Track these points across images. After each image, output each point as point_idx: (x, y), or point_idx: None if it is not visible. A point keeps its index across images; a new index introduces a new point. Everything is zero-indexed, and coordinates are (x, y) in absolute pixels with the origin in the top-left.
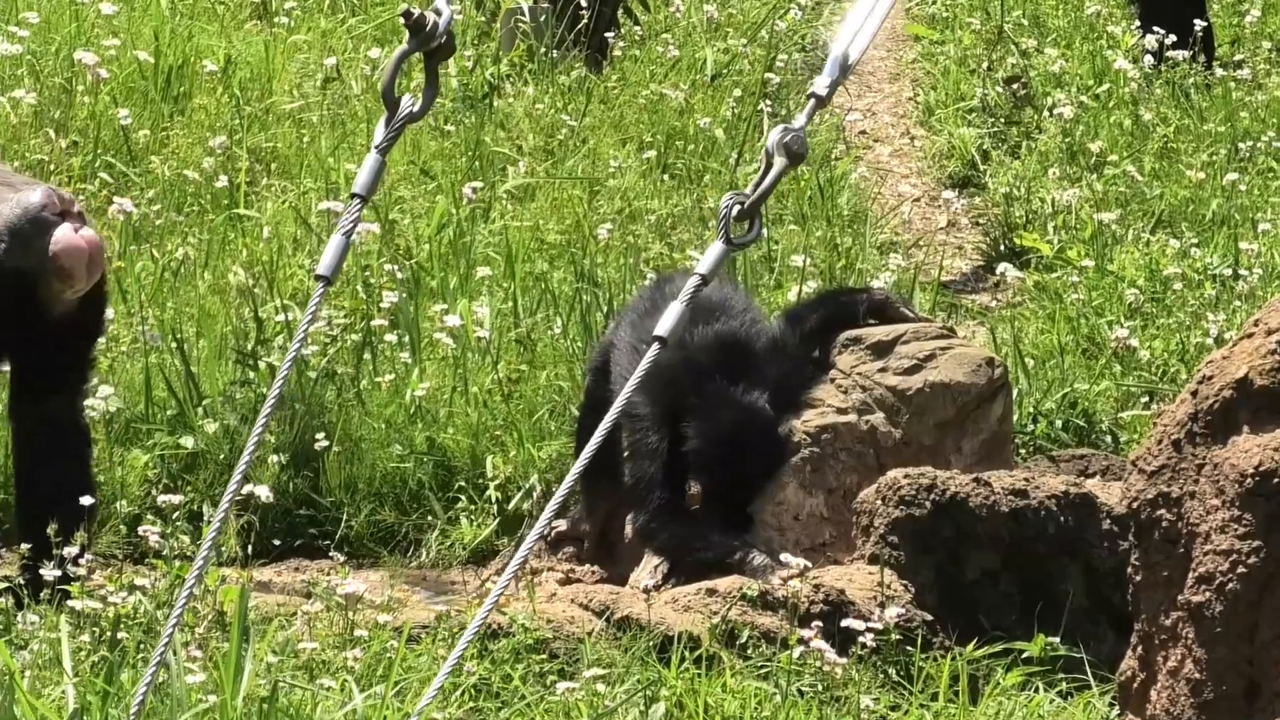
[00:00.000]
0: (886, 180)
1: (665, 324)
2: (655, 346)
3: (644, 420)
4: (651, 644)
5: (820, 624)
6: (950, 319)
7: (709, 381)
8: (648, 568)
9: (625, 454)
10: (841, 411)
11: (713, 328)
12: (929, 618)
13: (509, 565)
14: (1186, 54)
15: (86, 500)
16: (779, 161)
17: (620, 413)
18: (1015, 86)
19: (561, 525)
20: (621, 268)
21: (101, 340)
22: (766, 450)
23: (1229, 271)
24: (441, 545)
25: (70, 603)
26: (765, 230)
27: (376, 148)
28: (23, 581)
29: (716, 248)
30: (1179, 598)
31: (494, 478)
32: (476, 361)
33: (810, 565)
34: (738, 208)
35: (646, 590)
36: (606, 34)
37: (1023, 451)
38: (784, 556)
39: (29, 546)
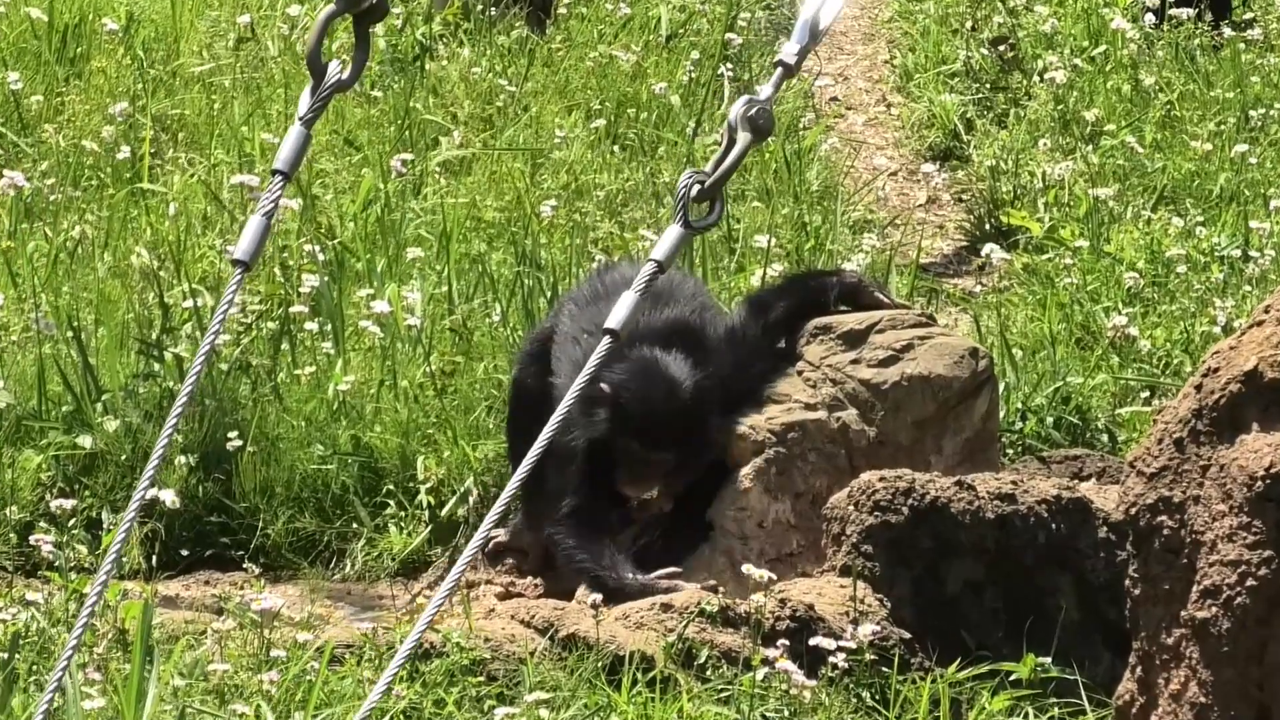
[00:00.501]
0: (860, 152)
1: (617, 316)
2: (605, 341)
3: (572, 423)
4: (600, 665)
5: (787, 642)
6: (930, 305)
7: (633, 350)
8: None
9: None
10: (810, 408)
11: (659, 314)
12: (906, 635)
13: (445, 579)
14: (1191, 12)
15: None
16: (743, 137)
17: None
18: (1002, 48)
19: (501, 535)
20: (567, 249)
21: None
22: (685, 424)
23: (1238, 253)
24: (368, 556)
25: None
26: (727, 210)
27: (301, 119)
28: None
29: (673, 232)
30: (1182, 613)
31: (426, 481)
32: (407, 352)
33: (775, 577)
34: (697, 188)
35: (595, 605)
36: None
37: (1010, 452)
38: (745, 568)
39: None
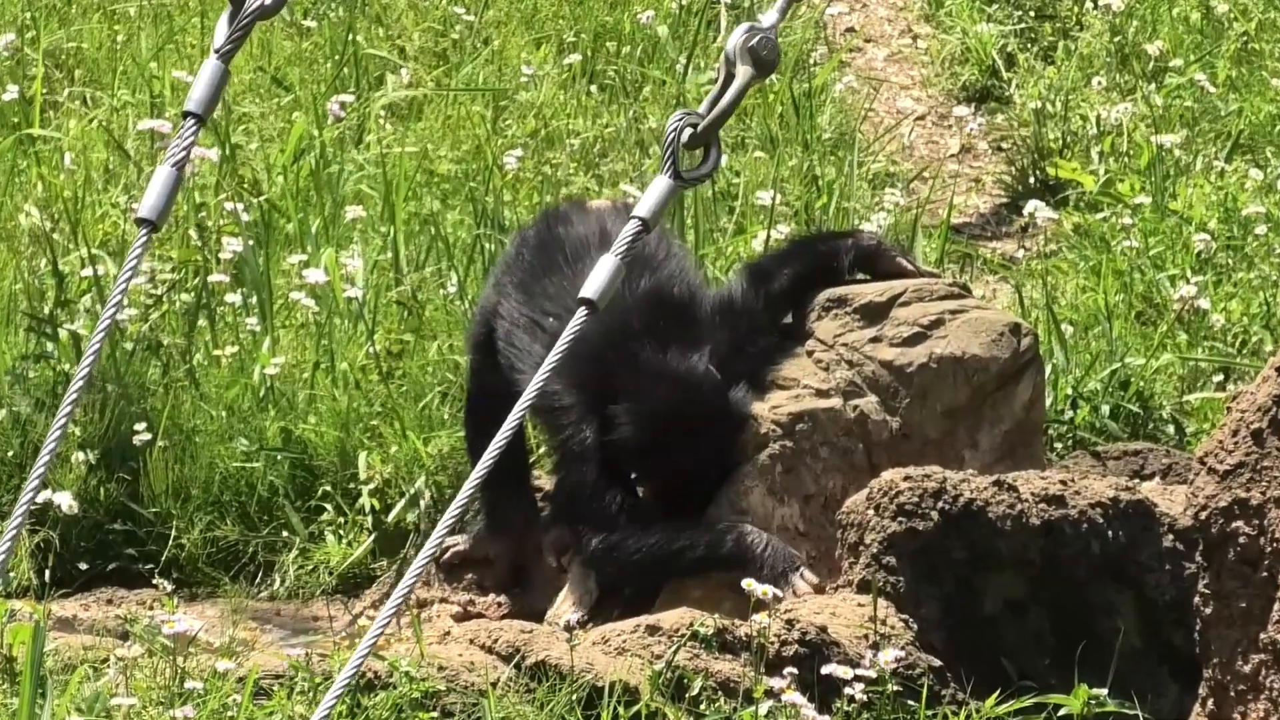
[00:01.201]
0: (881, 93)
1: (595, 283)
2: (582, 312)
3: (567, 413)
4: (575, 698)
5: (795, 671)
6: (964, 273)
7: (640, 350)
8: (571, 598)
9: (554, 456)
10: (821, 394)
11: (639, 284)
12: (936, 663)
13: (391, 596)
14: None
15: None
16: (743, 71)
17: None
18: None
19: (459, 545)
20: (535, 207)
21: None
22: (715, 426)
23: None
24: (301, 569)
25: None
26: (724, 160)
27: (217, 52)
28: None
29: (661, 184)
30: (1261, 636)
31: (369, 481)
32: (346, 330)
33: (781, 594)
34: (689, 131)
35: (569, 627)
36: None
37: (1058, 446)
38: (746, 583)
39: None
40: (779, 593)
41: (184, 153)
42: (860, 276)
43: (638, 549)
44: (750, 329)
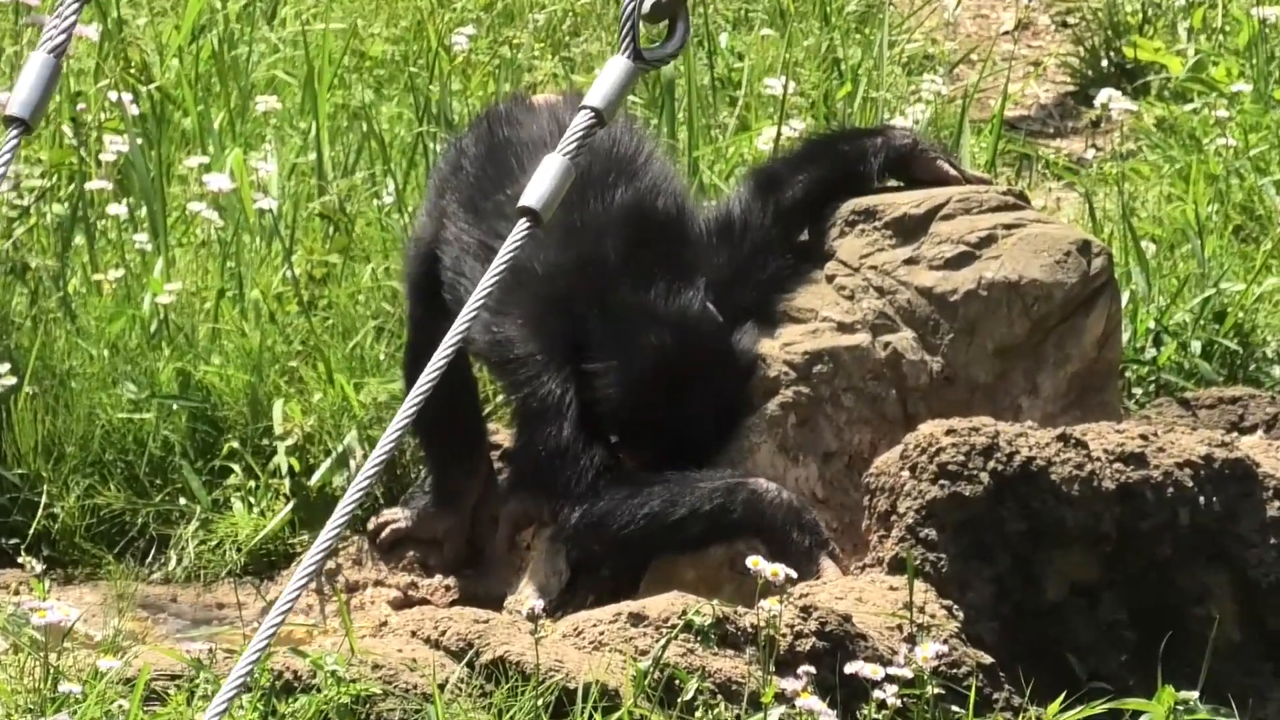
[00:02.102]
0: None
1: (537, 190)
2: (522, 225)
3: (525, 364)
4: (542, 703)
5: (811, 670)
6: (1021, 179)
7: (618, 284)
8: (535, 581)
9: (513, 414)
10: (845, 329)
11: (611, 198)
12: (987, 660)
13: (299, 571)
14: None
15: None
16: None
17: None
18: None
19: (399, 519)
20: (490, 97)
21: None
22: (715, 380)
23: None
24: (202, 545)
25: None
26: (691, 35)
27: None
28: None
29: (618, 66)
30: None
31: (286, 436)
32: (258, 250)
33: (796, 575)
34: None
35: (533, 616)
36: None
37: (1137, 392)
38: (752, 561)
39: None
40: (792, 573)
41: (64, 36)
42: (892, 183)
43: (629, 521)
44: (756, 250)
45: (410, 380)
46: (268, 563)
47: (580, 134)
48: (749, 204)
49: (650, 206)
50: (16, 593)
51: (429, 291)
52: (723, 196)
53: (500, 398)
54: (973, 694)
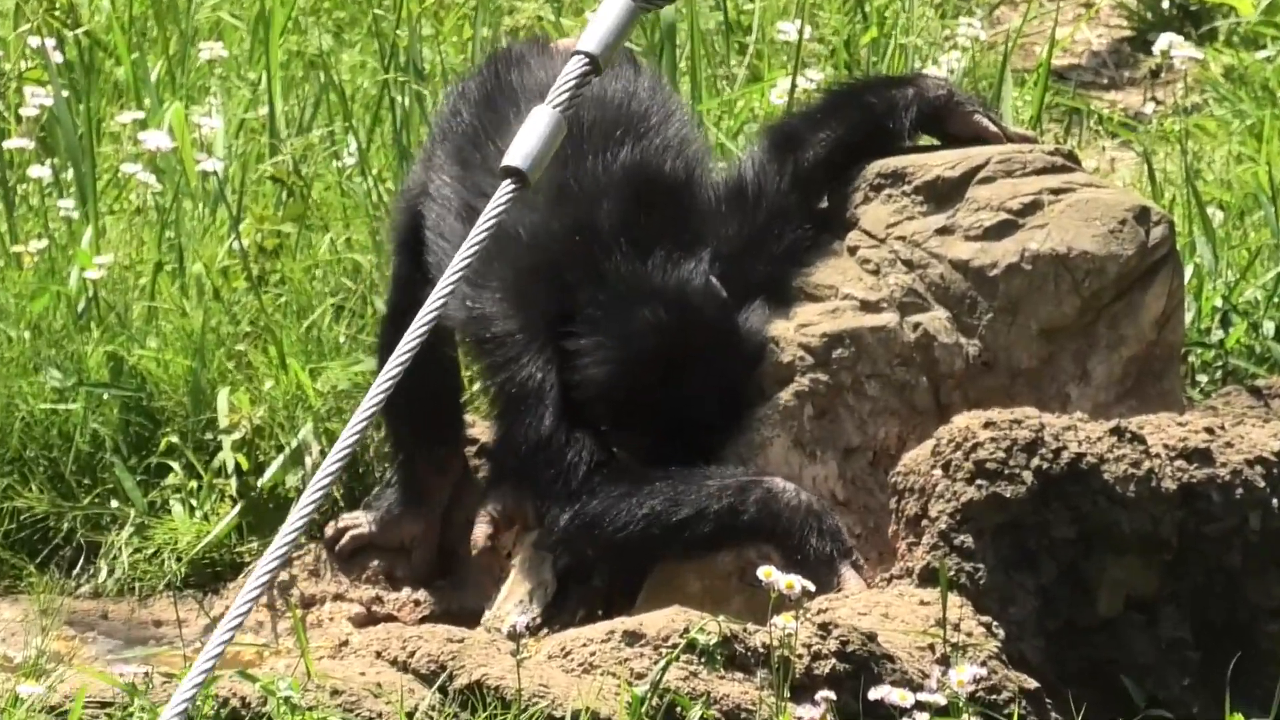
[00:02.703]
0: None
1: (524, 147)
2: (507, 186)
3: (506, 344)
4: None
5: (831, 695)
6: (1070, 137)
7: (610, 254)
8: (517, 593)
9: (493, 401)
10: (869, 308)
11: (614, 157)
12: (1031, 684)
13: (249, 584)
14: None
15: None
16: None
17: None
18: None
19: (361, 524)
20: (468, 44)
21: None
22: (718, 362)
23: None
24: (137, 555)
25: None
26: None
27: None
28: None
29: (615, 6)
30: None
31: (232, 429)
32: (200, 218)
33: (814, 587)
34: None
35: (515, 634)
36: None
37: (1202, 379)
38: (763, 572)
39: None
40: (809, 585)
41: None
42: (924, 141)
43: (626, 522)
44: (770, 218)
45: (385, 354)
46: (211, 574)
47: (572, 83)
48: (763, 166)
49: (657, 169)
50: None
51: (415, 250)
52: (733, 158)
53: (478, 383)
54: None
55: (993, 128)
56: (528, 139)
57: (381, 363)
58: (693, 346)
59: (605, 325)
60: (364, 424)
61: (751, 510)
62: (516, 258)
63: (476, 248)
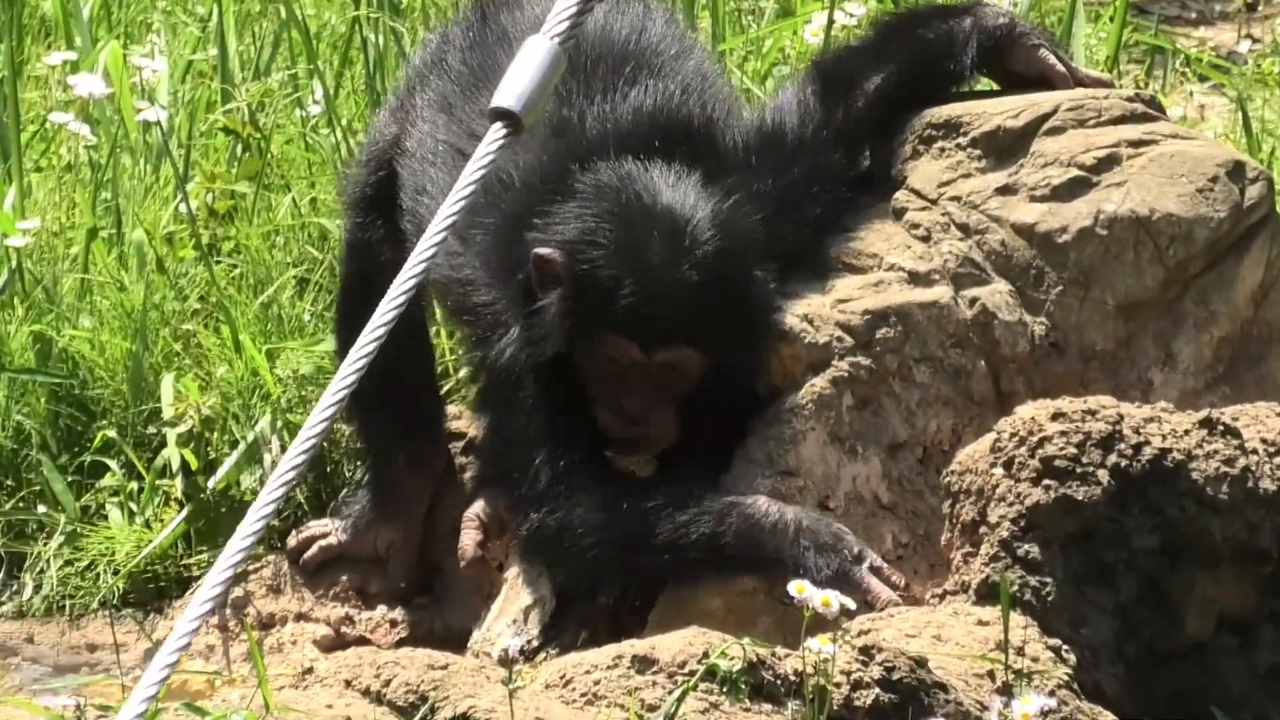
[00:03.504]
0: None
1: (516, 85)
2: (497, 131)
3: (491, 312)
4: None
5: None
6: (1153, 82)
7: (617, 198)
8: (510, 612)
9: (478, 384)
10: (918, 280)
11: (623, 97)
12: (1108, 717)
13: (196, 601)
14: None
15: None
16: None
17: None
18: None
19: (329, 533)
20: None
21: None
22: (733, 312)
23: None
24: (68, 568)
25: None
26: None
27: None
28: None
29: None
30: None
31: (178, 422)
32: (141, 176)
33: (854, 605)
34: None
35: (508, 659)
36: None
37: None
38: (794, 587)
39: None
40: (849, 603)
41: None
42: (984, 81)
43: (593, 542)
44: (809, 173)
45: (345, 333)
46: (154, 590)
47: (572, 10)
48: (803, 112)
49: (673, 111)
50: None
51: (376, 211)
52: (768, 101)
53: (463, 371)
54: None
55: (1060, 67)
56: (521, 75)
57: (342, 343)
58: (699, 295)
59: (579, 249)
60: (332, 412)
61: (732, 540)
62: (504, 209)
63: (463, 201)
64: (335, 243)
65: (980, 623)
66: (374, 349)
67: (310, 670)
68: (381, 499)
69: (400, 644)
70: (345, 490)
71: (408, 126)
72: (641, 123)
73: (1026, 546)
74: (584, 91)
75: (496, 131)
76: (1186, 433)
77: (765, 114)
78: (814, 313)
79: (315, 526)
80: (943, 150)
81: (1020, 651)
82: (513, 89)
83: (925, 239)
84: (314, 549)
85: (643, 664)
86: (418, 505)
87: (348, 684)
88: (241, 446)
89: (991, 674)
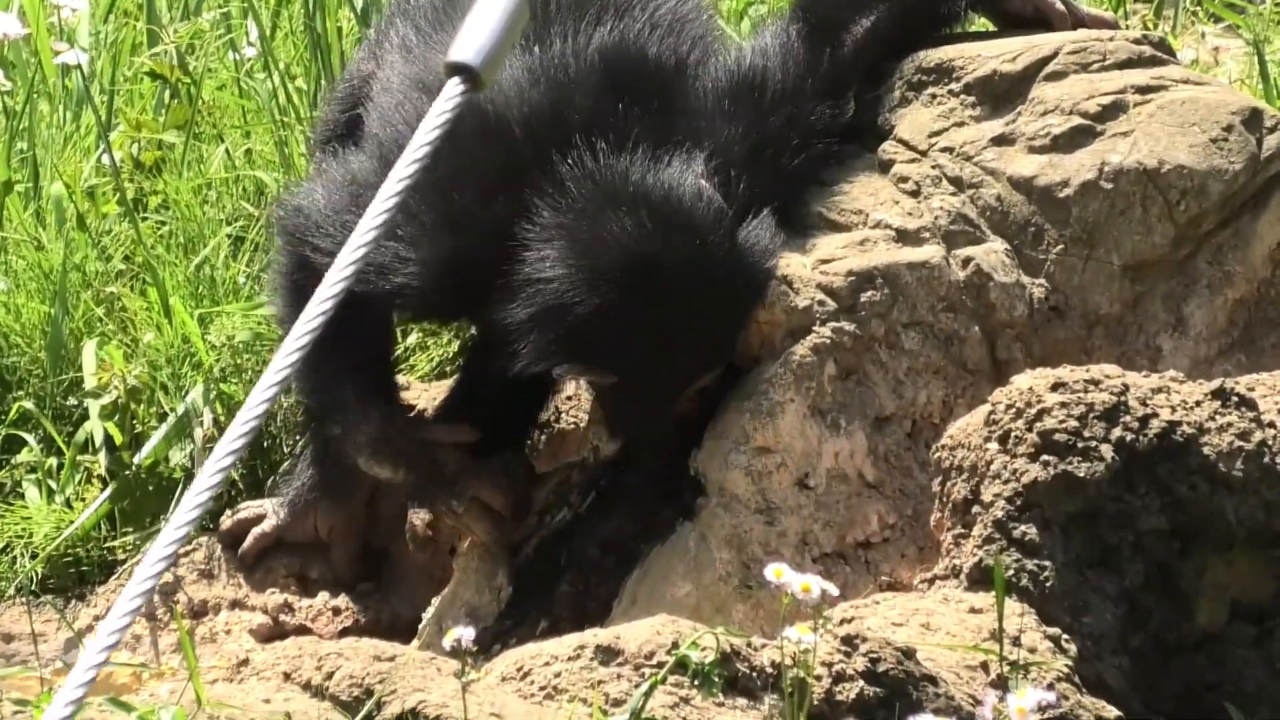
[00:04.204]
0: None
1: (474, 39)
2: (454, 88)
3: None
4: None
5: None
6: (1163, 20)
7: (573, 155)
8: (463, 598)
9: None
10: (907, 238)
11: (588, 38)
12: (1111, 713)
13: (130, 589)
14: None
15: None
16: None
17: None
18: None
19: (266, 516)
20: None
21: None
22: (710, 286)
23: None
24: None
25: None
26: None
27: None
28: None
29: None
30: None
31: (101, 391)
32: (59, 124)
33: (836, 591)
34: None
35: (460, 650)
36: None
37: None
38: (771, 571)
39: None
40: (831, 588)
41: None
42: (978, 23)
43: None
44: (789, 122)
45: (289, 291)
46: (75, 575)
47: None
48: (785, 55)
49: (640, 53)
50: None
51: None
52: (746, 44)
53: (413, 336)
54: None
55: (1060, 6)
56: (480, 27)
57: (290, 306)
58: (676, 262)
59: (563, 232)
60: (279, 383)
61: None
62: (460, 157)
63: (418, 162)
64: (272, 197)
65: (973, 610)
66: (330, 310)
67: (246, 662)
68: (323, 477)
69: (344, 634)
70: (283, 465)
71: (379, 67)
72: (608, 67)
73: (1023, 528)
74: (546, 32)
75: (453, 88)
76: (1198, 404)
77: (743, 57)
78: (793, 274)
79: (250, 508)
80: (934, 97)
81: (1016, 642)
82: (471, 42)
83: (914, 194)
84: (251, 538)
85: (607, 655)
86: (361, 485)
87: (287, 677)
88: (170, 419)
89: (985, 666)
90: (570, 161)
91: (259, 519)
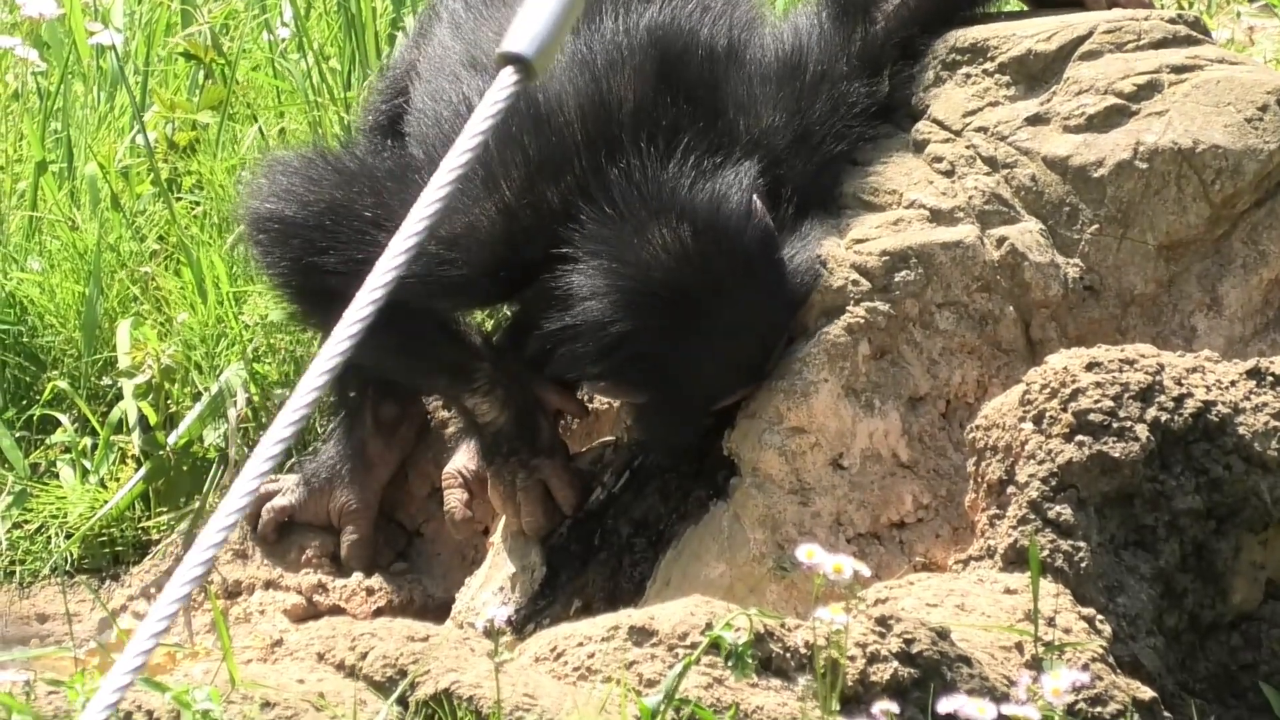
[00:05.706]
0: None
1: (528, 27)
2: (507, 78)
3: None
4: None
5: (892, 706)
6: (1199, 2)
7: (617, 154)
8: (499, 578)
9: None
10: (941, 218)
11: (637, 19)
12: (1146, 694)
13: (173, 577)
14: None
15: None
16: None
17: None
18: None
19: (284, 493)
20: None
21: None
22: (752, 322)
23: None
24: (17, 531)
25: None
26: None
27: None
28: None
29: None
30: None
31: (135, 371)
32: (94, 104)
33: (870, 573)
34: None
35: (494, 631)
36: None
37: None
38: (804, 553)
39: None
40: (863, 569)
41: None
42: (1012, 4)
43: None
44: (830, 106)
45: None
46: (110, 555)
47: None
48: (821, 36)
49: (690, 36)
50: None
51: (389, 139)
52: (781, 23)
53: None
54: None
55: None
56: (535, 15)
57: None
58: (717, 291)
59: (607, 248)
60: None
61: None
62: (486, 171)
63: (470, 152)
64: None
65: (1007, 591)
66: (382, 297)
67: (280, 642)
68: (344, 458)
69: (377, 614)
70: (310, 444)
71: (422, 55)
72: (655, 52)
73: (1058, 508)
74: (595, 13)
75: (507, 78)
76: (1233, 383)
77: (781, 38)
78: (828, 254)
79: (269, 484)
80: (968, 77)
81: (1051, 622)
82: (525, 31)
83: (949, 173)
84: (264, 513)
85: (640, 635)
86: (380, 473)
87: (320, 657)
88: (204, 399)
89: (1020, 646)
90: (618, 164)
91: (275, 494)
